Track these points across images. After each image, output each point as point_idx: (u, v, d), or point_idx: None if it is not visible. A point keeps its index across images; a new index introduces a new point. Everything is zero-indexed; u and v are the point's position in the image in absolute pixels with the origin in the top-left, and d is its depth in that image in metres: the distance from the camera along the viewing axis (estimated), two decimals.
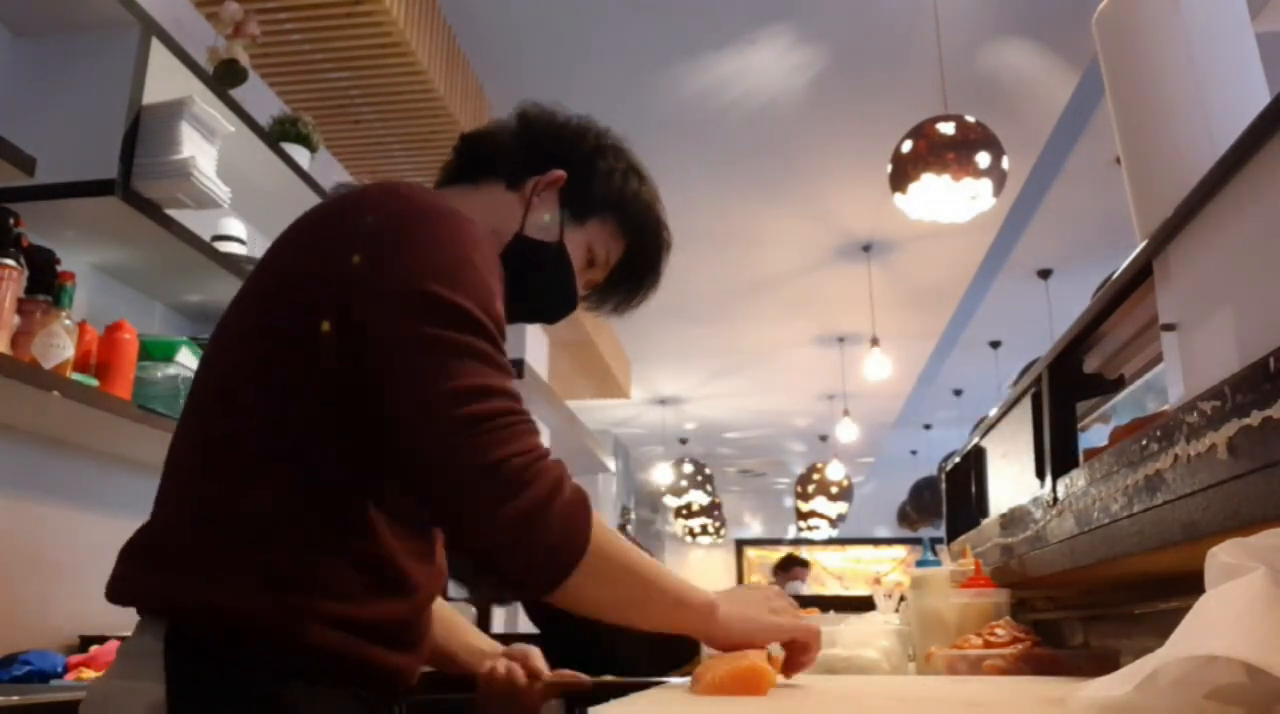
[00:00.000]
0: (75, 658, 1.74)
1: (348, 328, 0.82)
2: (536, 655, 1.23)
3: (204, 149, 2.01)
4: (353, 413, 0.83)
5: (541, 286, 1.08)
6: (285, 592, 0.80)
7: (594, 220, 1.09)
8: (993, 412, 1.63)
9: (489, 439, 0.78)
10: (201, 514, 0.84)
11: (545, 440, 0.86)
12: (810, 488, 9.54)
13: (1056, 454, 1.18)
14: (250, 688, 0.79)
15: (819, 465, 9.49)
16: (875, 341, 5.93)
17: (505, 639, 1.28)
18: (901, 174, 3.01)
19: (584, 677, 1.23)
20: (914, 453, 11.10)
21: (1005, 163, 2.95)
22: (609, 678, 1.37)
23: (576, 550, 0.81)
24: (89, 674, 1.69)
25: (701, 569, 12.63)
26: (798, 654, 0.95)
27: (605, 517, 2.46)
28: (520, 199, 1.06)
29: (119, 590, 0.85)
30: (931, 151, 2.93)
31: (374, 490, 0.86)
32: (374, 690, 0.89)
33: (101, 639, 1.82)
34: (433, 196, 0.91)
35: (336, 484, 0.84)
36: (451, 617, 1.20)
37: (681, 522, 10.19)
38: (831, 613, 1.74)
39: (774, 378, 7.99)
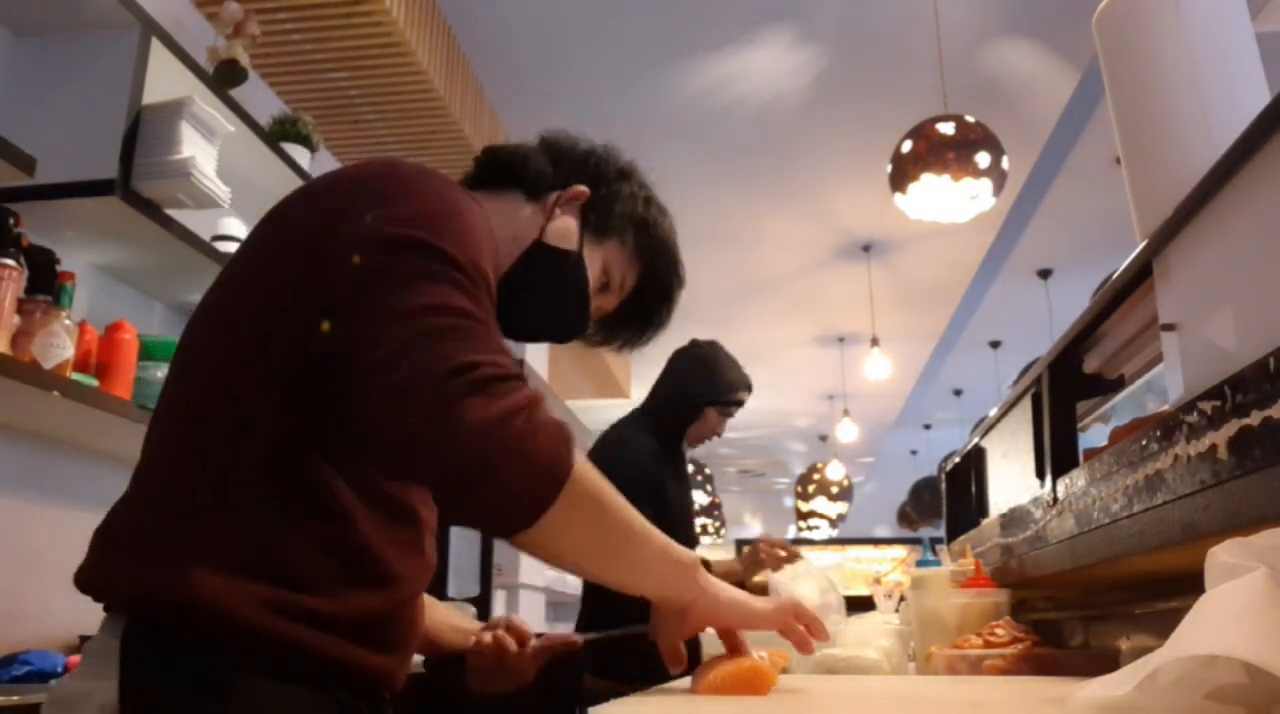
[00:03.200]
0: (75, 658, 1.74)
1: (318, 277, 0.78)
2: (522, 621, 1.17)
3: (204, 149, 2.01)
4: (309, 374, 0.78)
5: (556, 296, 1.06)
6: (240, 580, 0.75)
7: (613, 240, 1.08)
8: (993, 412, 1.63)
9: (455, 346, 0.71)
10: (158, 496, 0.80)
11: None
12: (810, 488, 9.56)
13: (1056, 454, 1.18)
14: (203, 684, 0.74)
15: (819, 465, 9.50)
16: (875, 342, 5.94)
17: None
18: (901, 174, 3.01)
19: (575, 636, 1.18)
20: (914, 453, 11.11)
21: (1005, 162, 2.95)
22: (597, 634, 1.32)
23: (561, 473, 0.71)
24: None
25: None
26: (806, 636, 0.88)
27: None
28: (541, 209, 1.05)
29: (85, 579, 0.81)
30: (931, 151, 2.93)
31: (342, 466, 0.81)
32: (351, 692, 0.83)
33: None
34: (423, 168, 0.88)
35: (295, 460, 0.78)
36: (429, 600, 1.11)
37: None
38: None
39: (774, 378, 8.00)
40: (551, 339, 1.12)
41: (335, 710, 0.81)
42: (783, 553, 2.37)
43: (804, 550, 2.49)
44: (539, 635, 1.18)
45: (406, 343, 0.71)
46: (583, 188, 1.07)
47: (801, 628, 0.89)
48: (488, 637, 1.14)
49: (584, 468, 0.74)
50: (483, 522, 0.75)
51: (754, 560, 2.40)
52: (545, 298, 1.05)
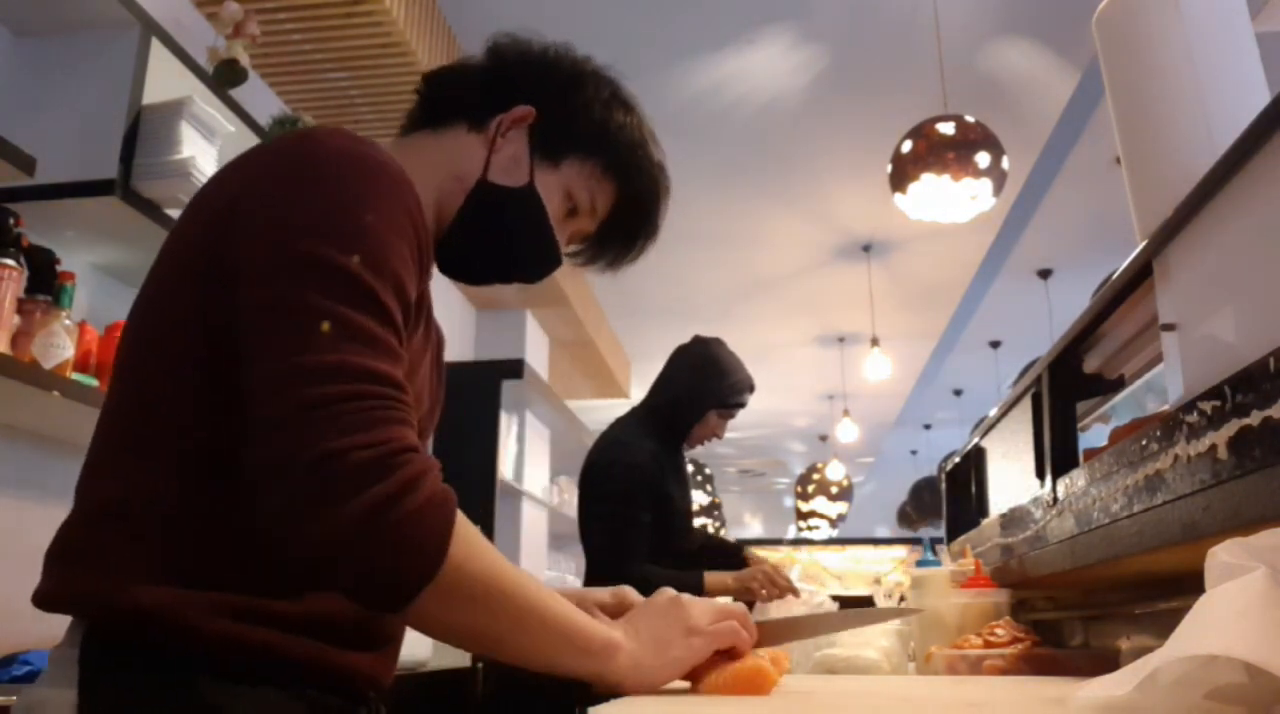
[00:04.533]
0: None
1: (223, 288, 0.73)
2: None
3: (204, 149, 2.01)
4: (224, 378, 0.73)
5: (510, 237, 0.96)
6: (194, 590, 0.73)
7: (571, 161, 0.97)
8: (993, 412, 1.63)
9: (329, 427, 0.65)
10: (100, 512, 0.78)
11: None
12: (810, 488, 9.56)
13: (1056, 454, 1.18)
14: (162, 688, 0.72)
15: (819, 465, 9.50)
16: (875, 342, 5.94)
17: None
18: (901, 174, 3.01)
19: None
20: (914, 453, 11.12)
21: (1005, 163, 2.95)
22: None
23: (427, 564, 0.67)
24: None
25: None
26: (736, 654, 0.83)
27: None
28: (484, 140, 0.96)
29: (42, 600, 0.78)
30: (931, 151, 2.93)
31: None
32: (327, 690, 0.80)
33: None
34: (350, 143, 0.78)
35: (229, 464, 0.72)
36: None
37: None
38: None
39: (774, 378, 7.99)
40: (520, 280, 1.03)
41: (307, 709, 0.78)
42: (776, 589, 2.24)
43: (802, 584, 2.33)
44: None
45: (284, 415, 0.67)
46: (526, 109, 0.96)
47: (744, 633, 0.83)
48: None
49: (466, 555, 0.70)
50: (351, 598, 0.70)
51: (745, 590, 2.28)
52: (500, 241, 0.96)
